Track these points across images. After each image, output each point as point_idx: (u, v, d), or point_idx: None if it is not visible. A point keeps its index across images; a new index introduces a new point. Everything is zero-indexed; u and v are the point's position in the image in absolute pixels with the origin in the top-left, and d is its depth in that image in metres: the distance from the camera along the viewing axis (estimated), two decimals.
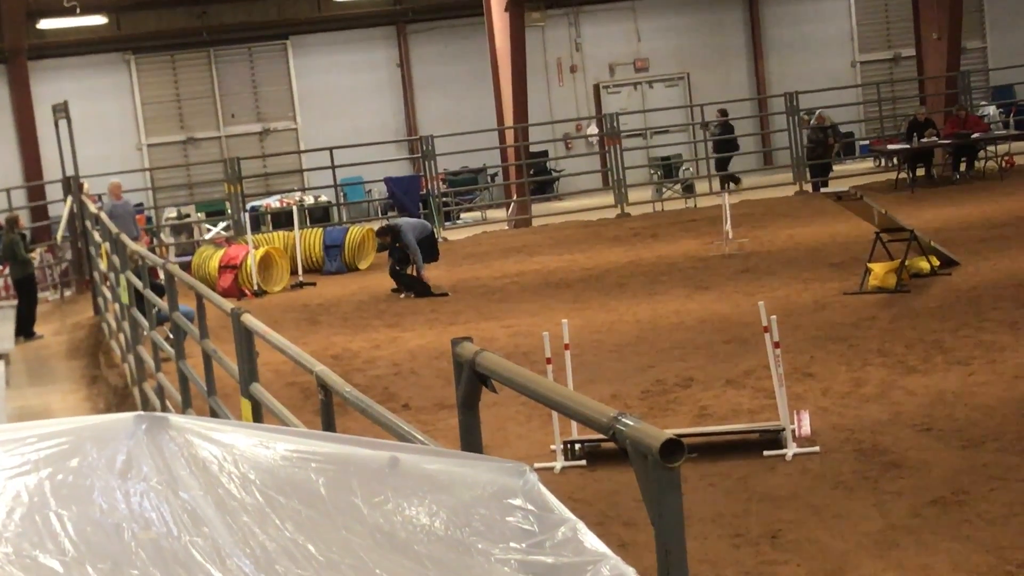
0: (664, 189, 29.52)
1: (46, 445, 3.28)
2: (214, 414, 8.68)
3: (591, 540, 3.31)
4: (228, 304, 7.55)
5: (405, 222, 20.82)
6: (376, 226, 26.14)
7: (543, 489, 3.44)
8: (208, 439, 3.36)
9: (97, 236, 17.93)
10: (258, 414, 7.15)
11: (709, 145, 30.50)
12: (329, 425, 5.52)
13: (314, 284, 22.30)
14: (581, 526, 3.34)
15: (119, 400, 14.84)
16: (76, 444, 3.28)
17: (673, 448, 3.12)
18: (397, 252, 20.20)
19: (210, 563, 3.05)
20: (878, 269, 16.42)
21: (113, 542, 3.09)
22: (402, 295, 19.82)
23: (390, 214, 29.67)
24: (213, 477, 3.25)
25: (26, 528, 3.08)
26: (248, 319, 6.92)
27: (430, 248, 20.57)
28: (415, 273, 20.06)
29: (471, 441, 4.45)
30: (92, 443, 3.28)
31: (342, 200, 30.18)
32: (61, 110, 23.35)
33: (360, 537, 3.22)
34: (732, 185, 29.66)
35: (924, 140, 27.63)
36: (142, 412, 3.38)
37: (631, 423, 3.28)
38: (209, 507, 3.17)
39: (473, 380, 4.33)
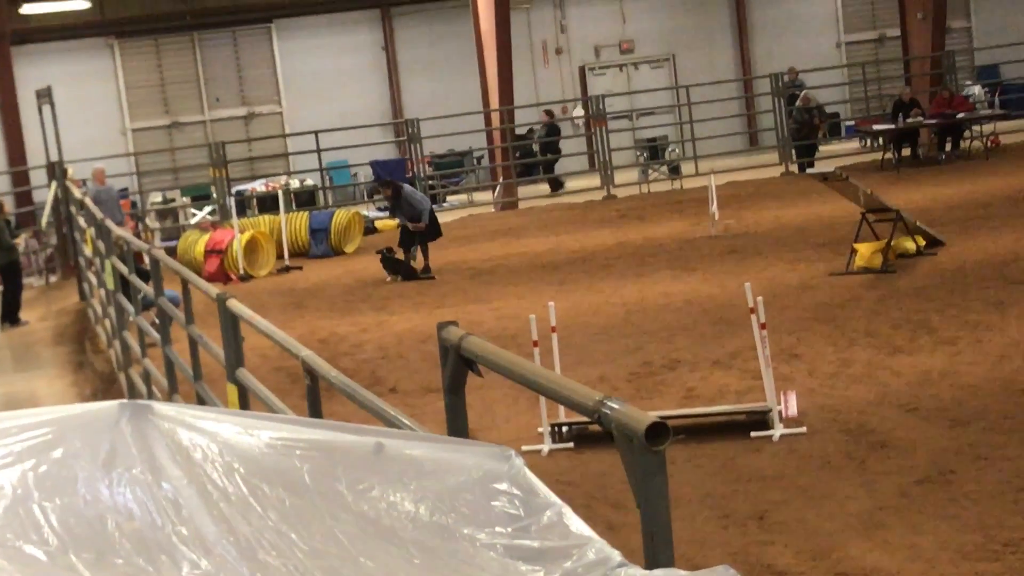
0: (650, 171, 29.52)
1: (29, 436, 3.26)
2: (200, 400, 8.67)
3: (577, 524, 3.30)
4: (214, 289, 7.54)
5: (409, 187, 20.95)
6: (359, 209, 26.15)
7: (528, 473, 3.44)
8: (192, 427, 3.34)
9: (82, 222, 17.87)
10: (244, 399, 7.15)
11: (694, 127, 30.45)
12: (315, 410, 5.51)
13: (300, 268, 22.27)
14: (567, 510, 3.34)
15: (105, 386, 14.80)
16: (59, 434, 3.26)
17: (658, 431, 3.12)
18: (403, 208, 20.21)
19: (194, 552, 3.04)
20: (864, 249, 16.43)
21: (97, 532, 3.08)
22: (388, 279, 19.79)
23: (376, 197, 29.65)
24: (197, 466, 3.23)
25: (10, 519, 3.06)
26: (234, 304, 6.90)
27: (431, 225, 20.51)
28: (411, 228, 20.05)
29: (457, 425, 4.45)
30: (75, 433, 3.26)
31: (328, 184, 30.12)
32: (45, 95, 23.27)
33: (345, 525, 3.21)
34: (559, 188, 29.71)
35: (909, 120, 27.65)
36: (125, 401, 3.37)
37: (616, 407, 3.28)
38: (193, 496, 3.16)
39: (459, 364, 4.33)
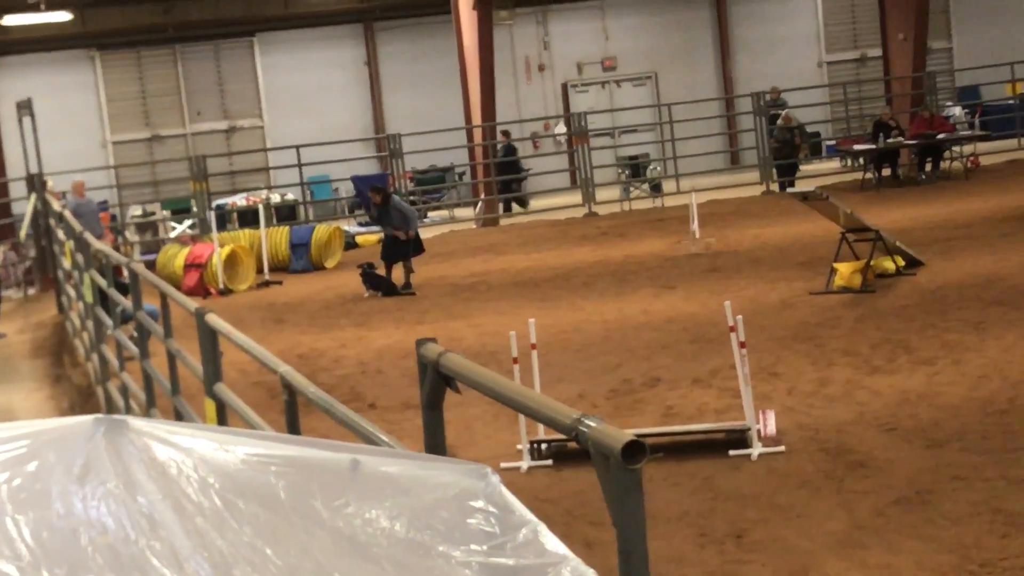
0: (632, 188, 29.58)
1: (3, 449, 3.25)
2: (178, 414, 8.65)
3: (552, 542, 3.30)
4: (192, 303, 7.52)
5: (397, 197, 20.99)
6: (340, 224, 26.15)
7: (505, 491, 3.44)
8: (167, 443, 3.34)
9: (61, 234, 17.83)
10: (222, 414, 7.12)
11: (676, 145, 30.50)
12: (293, 426, 5.50)
13: (280, 283, 22.23)
14: (542, 528, 3.34)
15: (83, 399, 14.75)
16: (34, 448, 3.25)
17: (635, 450, 3.12)
18: (392, 217, 20.23)
19: (167, 568, 3.03)
20: (844, 269, 16.48)
21: (70, 547, 3.07)
22: (368, 294, 19.77)
23: (357, 213, 29.66)
24: (172, 481, 3.23)
25: None
26: (212, 319, 6.89)
27: (415, 240, 20.52)
28: (402, 237, 20.09)
29: (434, 442, 4.45)
30: (50, 447, 3.25)
31: (309, 198, 30.12)
32: (25, 107, 23.21)
33: (320, 541, 3.21)
34: (518, 207, 29.85)
35: (890, 140, 27.74)
36: (101, 415, 3.36)
37: (594, 424, 3.28)
38: (167, 511, 3.15)
39: (437, 381, 4.33)
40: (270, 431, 5.04)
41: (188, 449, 3.31)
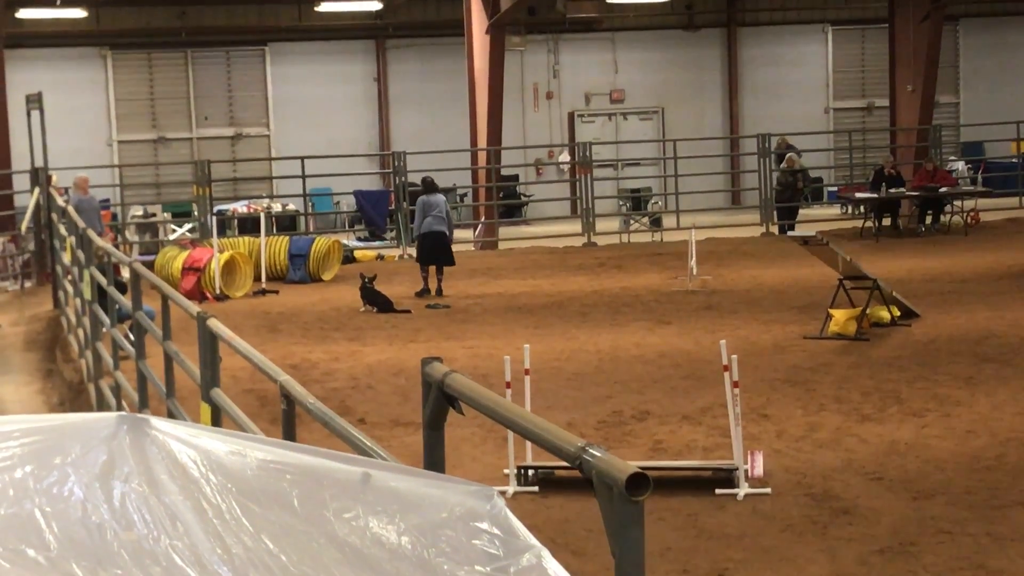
0: (632, 221, 29.65)
1: (29, 440, 3.29)
2: (172, 416, 8.66)
3: (555, 567, 3.34)
4: (194, 307, 7.54)
5: (428, 200, 21.41)
6: (340, 237, 26.20)
7: (510, 514, 3.47)
8: (187, 444, 3.38)
9: (63, 229, 17.85)
10: (217, 419, 7.14)
11: (678, 181, 30.59)
12: (290, 435, 5.53)
13: (276, 292, 22.25)
14: (545, 553, 3.38)
15: (73, 395, 14.77)
16: (59, 441, 3.30)
17: (639, 482, 3.15)
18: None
19: (190, 567, 3.07)
20: (839, 315, 16.52)
21: (96, 541, 3.11)
22: (363, 308, 19.80)
23: (356, 227, 29.71)
24: (193, 482, 3.27)
25: (11, 522, 3.09)
26: (214, 324, 6.91)
27: (446, 252, 21.23)
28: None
29: (434, 461, 4.48)
30: (74, 441, 3.29)
31: (310, 210, 30.16)
32: (34, 101, 23.27)
33: (330, 551, 3.25)
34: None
35: (892, 191, 27.83)
36: (124, 412, 3.41)
37: (598, 454, 3.32)
38: (188, 512, 3.20)
39: (441, 401, 4.36)
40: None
41: (207, 451, 3.36)
